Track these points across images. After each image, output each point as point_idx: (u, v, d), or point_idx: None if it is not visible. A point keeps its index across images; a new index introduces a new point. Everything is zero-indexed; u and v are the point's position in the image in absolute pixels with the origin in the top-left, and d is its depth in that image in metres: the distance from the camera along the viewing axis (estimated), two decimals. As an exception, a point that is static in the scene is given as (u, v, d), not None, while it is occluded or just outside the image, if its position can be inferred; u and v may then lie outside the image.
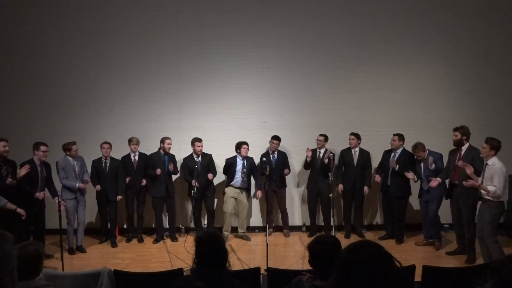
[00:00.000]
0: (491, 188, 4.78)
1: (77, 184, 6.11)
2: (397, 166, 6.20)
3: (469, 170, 4.99)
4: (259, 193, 6.72)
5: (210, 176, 6.58)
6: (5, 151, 5.44)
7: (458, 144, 5.61)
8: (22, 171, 5.41)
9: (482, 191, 4.91)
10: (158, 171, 6.46)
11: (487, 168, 4.92)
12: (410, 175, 6.08)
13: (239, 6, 7.06)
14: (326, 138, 6.74)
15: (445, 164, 5.94)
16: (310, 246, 2.25)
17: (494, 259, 2.19)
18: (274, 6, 7.05)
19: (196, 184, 6.35)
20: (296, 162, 7.19)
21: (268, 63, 7.11)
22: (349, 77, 7.09)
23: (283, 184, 6.89)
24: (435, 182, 5.71)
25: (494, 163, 4.85)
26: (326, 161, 6.48)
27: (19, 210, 5.16)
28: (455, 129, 5.64)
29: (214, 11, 7.06)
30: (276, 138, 6.79)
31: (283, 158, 6.88)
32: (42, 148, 5.75)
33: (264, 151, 6.92)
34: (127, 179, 6.53)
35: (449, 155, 5.84)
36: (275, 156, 6.82)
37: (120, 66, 7.12)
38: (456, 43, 6.98)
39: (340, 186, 6.73)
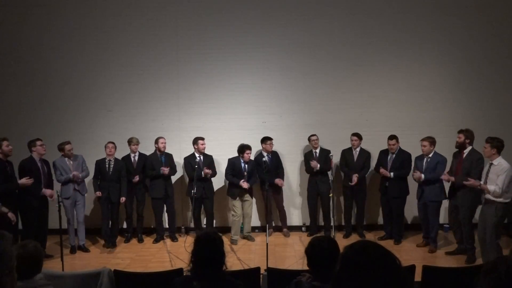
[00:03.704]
0: (491, 187, 4.75)
1: (71, 174, 5.97)
2: (392, 173, 6.20)
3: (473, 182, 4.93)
4: (244, 184, 6.44)
5: (206, 171, 6.42)
6: (10, 150, 5.44)
7: (461, 146, 5.50)
8: (25, 182, 5.41)
9: (486, 192, 4.85)
10: (164, 170, 6.39)
11: (492, 168, 4.85)
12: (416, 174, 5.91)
13: (239, 6, 7.05)
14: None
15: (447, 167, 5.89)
16: (307, 251, 2.27)
17: (487, 261, 2.17)
18: (274, 6, 7.04)
19: (209, 171, 6.42)
20: (296, 162, 7.18)
21: (268, 63, 7.10)
22: (349, 77, 7.08)
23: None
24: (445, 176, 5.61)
25: (500, 163, 4.78)
26: (316, 165, 6.53)
27: (10, 214, 5.09)
28: (460, 131, 5.53)
29: (214, 11, 7.06)
30: (271, 138, 6.73)
31: (277, 158, 6.87)
32: (38, 142, 5.72)
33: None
34: (136, 178, 6.44)
35: (452, 157, 5.78)
36: (270, 156, 6.78)
37: (120, 66, 7.11)
38: (456, 43, 6.97)
39: (354, 176, 6.47)
